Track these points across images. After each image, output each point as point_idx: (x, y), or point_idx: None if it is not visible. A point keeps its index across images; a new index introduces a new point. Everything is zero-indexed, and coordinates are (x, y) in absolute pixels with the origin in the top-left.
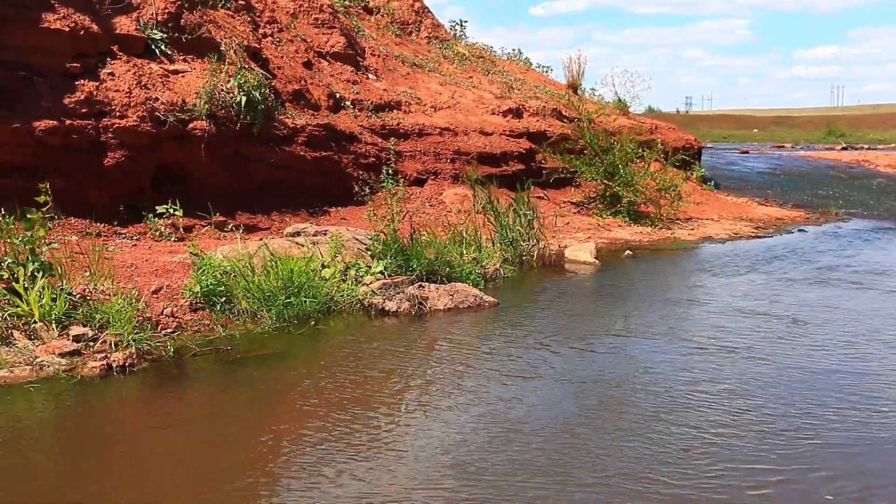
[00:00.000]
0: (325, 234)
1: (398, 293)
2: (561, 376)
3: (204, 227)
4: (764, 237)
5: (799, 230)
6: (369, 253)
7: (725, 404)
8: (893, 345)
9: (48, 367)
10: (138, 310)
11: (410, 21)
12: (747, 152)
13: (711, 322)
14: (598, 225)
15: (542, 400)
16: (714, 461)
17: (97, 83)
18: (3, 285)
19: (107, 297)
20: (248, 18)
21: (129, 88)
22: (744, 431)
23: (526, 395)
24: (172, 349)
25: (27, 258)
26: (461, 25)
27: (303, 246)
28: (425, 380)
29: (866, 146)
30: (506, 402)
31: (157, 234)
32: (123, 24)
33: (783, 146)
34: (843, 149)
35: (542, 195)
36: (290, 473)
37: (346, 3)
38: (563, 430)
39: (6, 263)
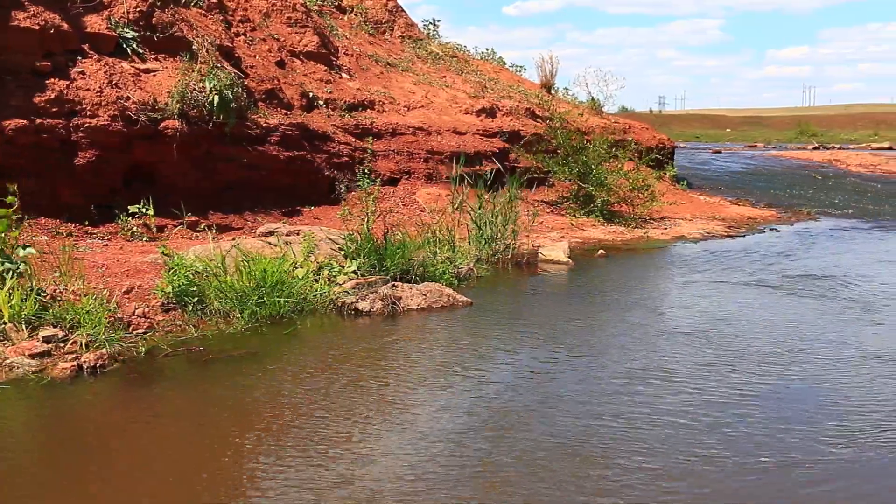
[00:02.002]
0: (297, 234)
1: (371, 293)
2: (525, 385)
3: (176, 226)
4: (736, 237)
5: (771, 229)
6: (342, 253)
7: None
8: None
9: (17, 368)
10: (110, 310)
11: (384, 20)
12: (720, 152)
13: (674, 336)
14: (572, 224)
15: (504, 408)
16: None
17: (68, 82)
18: None
19: (77, 298)
20: (221, 17)
21: (100, 87)
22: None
23: (487, 403)
24: (144, 350)
25: None
26: (434, 25)
27: (275, 246)
28: (395, 381)
29: (838, 146)
30: (466, 408)
31: (129, 234)
32: (94, 23)
33: (756, 146)
34: (815, 148)
35: (516, 194)
36: (263, 474)
37: (319, 2)
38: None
39: None
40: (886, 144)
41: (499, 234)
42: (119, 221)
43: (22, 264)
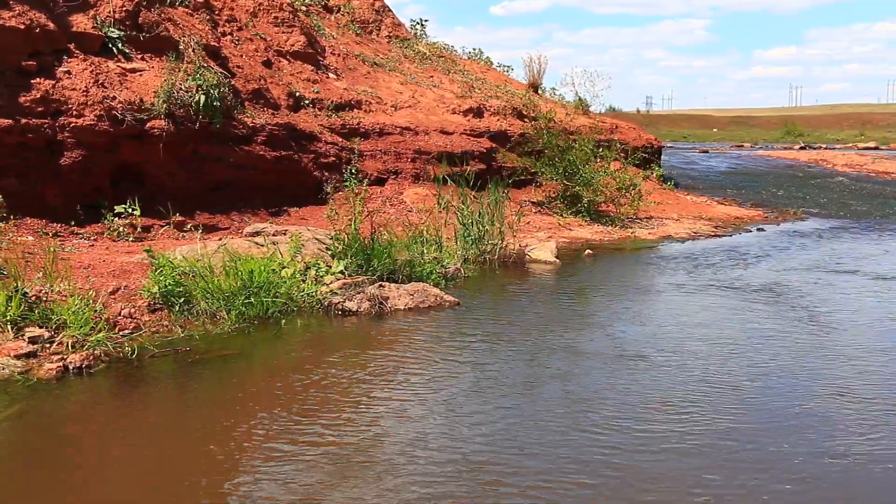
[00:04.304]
0: (284, 234)
1: (359, 293)
2: (507, 388)
3: (162, 227)
4: (723, 236)
5: (758, 229)
6: (329, 253)
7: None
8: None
9: (3, 369)
10: (96, 311)
11: (371, 20)
12: (707, 152)
13: (651, 346)
14: (559, 224)
15: (484, 412)
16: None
17: (53, 82)
18: None
19: (63, 298)
20: (207, 17)
21: (85, 87)
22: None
23: (468, 406)
24: (131, 350)
25: None
26: (422, 24)
27: (262, 246)
28: (381, 381)
29: (824, 146)
30: (447, 411)
31: (115, 234)
32: (80, 22)
33: (742, 146)
34: (802, 148)
35: (503, 194)
36: (248, 474)
37: (306, 1)
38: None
39: None
40: (872, 144)
41: (486, 234)
42: (105, 221)
43: None
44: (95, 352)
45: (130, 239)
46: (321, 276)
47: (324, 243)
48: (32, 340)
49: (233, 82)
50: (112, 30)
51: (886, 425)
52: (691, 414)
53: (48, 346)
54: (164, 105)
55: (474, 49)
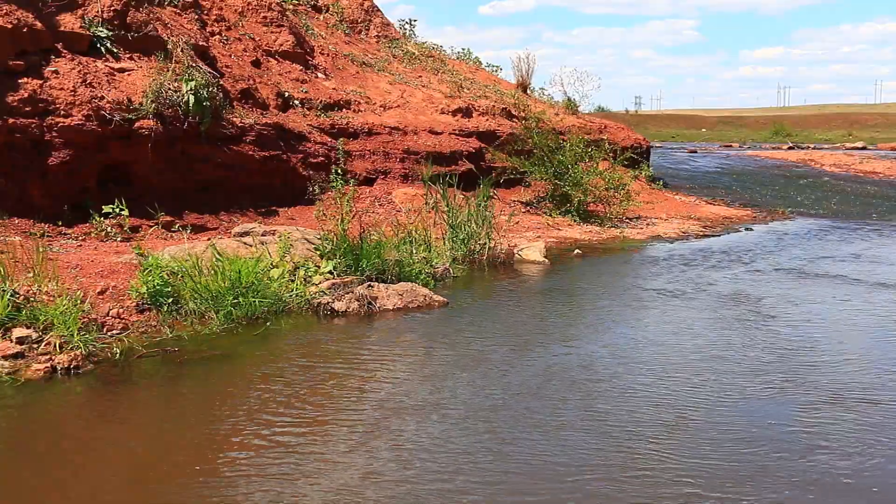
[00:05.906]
0: (273, 234)
1: (347, 293)
2: (492, 390)
3: (151, 227)
4: (712, 236)
5: (746, 229)
6: (318, 253)
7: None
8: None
9: None
10: (83, 311)
11: (360, 20)
12: (696, 152)
13: (634, 352)
14: (548, 224)
15: (472, 413)
16: None
17: (41, 81)
18: None
19: (51, 299)
20: (196, 17)
21: (73, 87)
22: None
23: (457, 410)
24: (119, 351)
25: None
26: (410, 24)
27: (251, 246)
28: (369, 382)
29: (812, 146)
30: (434, 413)
31: (103, 234)
32: (68, 22)
33: (731, 146)
34: (790, 148)
35: (491, 194)
36: (236, 477)
37: (294, 1)
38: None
39: None
40: (860, 144)
41: (475, 234)
42: (93, 222)
43: None
44: (83, 352)
45: (118, 239)
46: (310, 277)
47: (312, 243)
48: (20, 341)
49: (221, 82)
50: (100, 29)
51: (868, 446)
52: (662, 432)
53: (36, 346)
54: (153, 105)
55: (463, 49)
